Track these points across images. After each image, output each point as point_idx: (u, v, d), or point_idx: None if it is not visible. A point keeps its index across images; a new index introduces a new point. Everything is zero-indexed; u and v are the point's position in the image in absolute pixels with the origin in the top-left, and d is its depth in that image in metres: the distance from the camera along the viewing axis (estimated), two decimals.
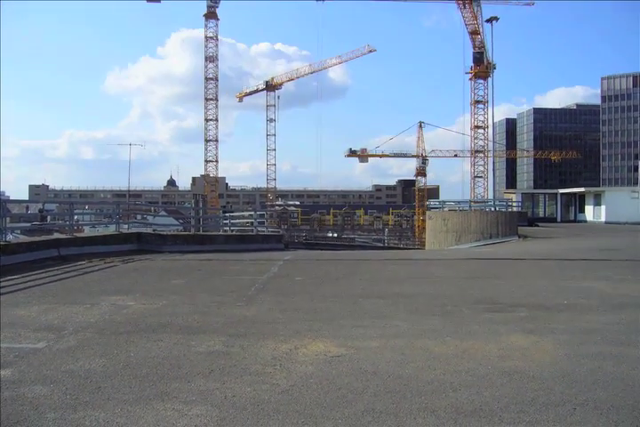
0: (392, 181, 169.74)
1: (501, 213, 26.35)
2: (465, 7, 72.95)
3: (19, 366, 4.28)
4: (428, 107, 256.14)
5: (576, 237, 22.17)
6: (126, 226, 18.24)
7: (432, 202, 40.04)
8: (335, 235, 71.80)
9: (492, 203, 34.33)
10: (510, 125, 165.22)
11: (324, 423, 3.23)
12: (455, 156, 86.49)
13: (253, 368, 4.25)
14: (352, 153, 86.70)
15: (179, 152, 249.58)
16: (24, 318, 6.02)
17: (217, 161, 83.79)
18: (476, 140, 78.25)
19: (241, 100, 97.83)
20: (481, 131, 77.80)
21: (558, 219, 37.17)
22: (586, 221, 35.28)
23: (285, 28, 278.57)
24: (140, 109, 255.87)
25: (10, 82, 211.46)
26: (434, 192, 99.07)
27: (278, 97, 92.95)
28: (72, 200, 26.84)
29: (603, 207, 34.39)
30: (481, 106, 77.22)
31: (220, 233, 19.97)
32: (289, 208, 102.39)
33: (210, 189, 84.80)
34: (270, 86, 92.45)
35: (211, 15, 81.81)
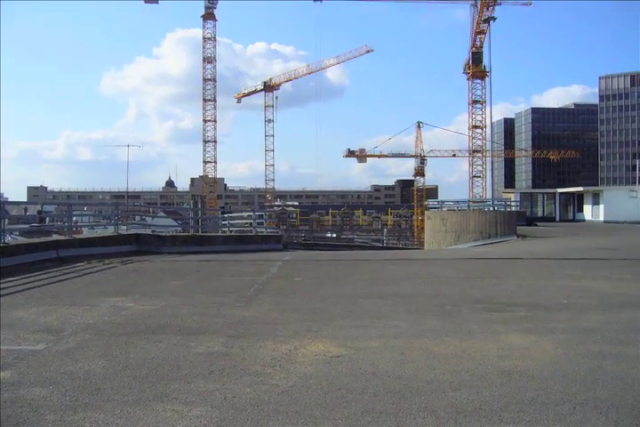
0: (390, 181, 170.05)
1: (500, 213, 26.37)
2: (477, 6, 72.99)
3: (18, 368, 4.28)
4: (425, 106, 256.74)
5: (574, 237, 22.19)
6: (125, 227, 18.23)
7: (431, 202, 40.10)
8: (334, 235, 71.72)
9: (490, 202, 34.38)
10: (508, 125, 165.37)
11: (323, 424, 3.23)
12: (454, 156, 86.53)
13: (253, 369, 4.25)
14: (350, 153, 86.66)
15: (176, 153, 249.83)
16: (23, 320, 6.01)
17: (215, 162, 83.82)
18: (474, 140, 78.28)
19: (239, 100, 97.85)
20: (479, 131, 77.84)
21: (557, 218, 37.23)
22: (584, 221, 35.33)
23: (281, 28, 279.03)
24: (136, 110, 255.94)
25: (6, 82, 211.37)
26: (432, 192, 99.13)
27: (276, 97, 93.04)
28: (71, 202, 26.81)
29: (601, 206, 34.44)
30: (479, 106, 77.26)
31: (219, 234, 19.98)
32: (288, 209, 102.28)
33: (208, 190, 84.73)
34: (268, 87, 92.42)
35: (209, 16, 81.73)
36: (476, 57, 74.09)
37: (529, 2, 74.35)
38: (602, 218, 33.88)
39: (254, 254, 15.15)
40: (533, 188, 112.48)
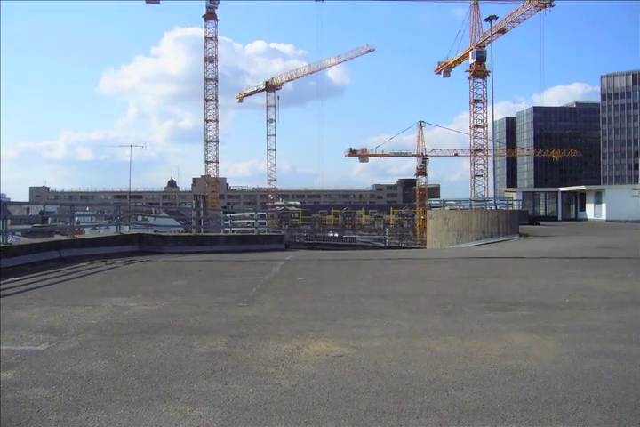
0: (391, 181, 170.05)
1: (502, 212, 26.33)
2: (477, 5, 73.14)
3: (21, 368, 4.28)
4: (425, 105, 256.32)
5: (577, 236, 22.15)
6: (127, 227, 18.23)
7: (433, 201, 40.02)
8: (336, 235, 71.80)
9: (492, 202, 34.34)
10: (510, 124, 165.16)
11: (326, 423, 3.23)
12: (455, 155, 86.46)
13: (255, 369, 4.25)
14: (352, 153, 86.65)
15: (177, 153, 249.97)
16: (26, 320, 6.02)
17: (217, 162, 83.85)
18: (475, 139, 78.20)
19: (241, 100, 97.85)
20: (480, 130, 77.76)
21: (559, 217, 37.16)
22: (587, 220, 35.27)
23: (281, 27, 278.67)
24: (136, 110, 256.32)
25: (5, 82, 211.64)
26: (434, 191, 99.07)
27: (278, 97, 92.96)
28: (73, 202, 26.84)
29: (603, 205, 34.37)
30: (480, 105, 77.19)
31: (221, 234, 19.98)
32: (290, 208, 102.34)
33: (210, 190, 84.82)
34: (270, 87, 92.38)
35: (210, 16, 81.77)
36: (480, 55, 73.87)
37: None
38: (604, 217, 33.81)
39: (256, 254, 15.16)
40: (535, 187, 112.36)
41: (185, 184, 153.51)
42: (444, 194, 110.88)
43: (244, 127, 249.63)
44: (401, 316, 6.17)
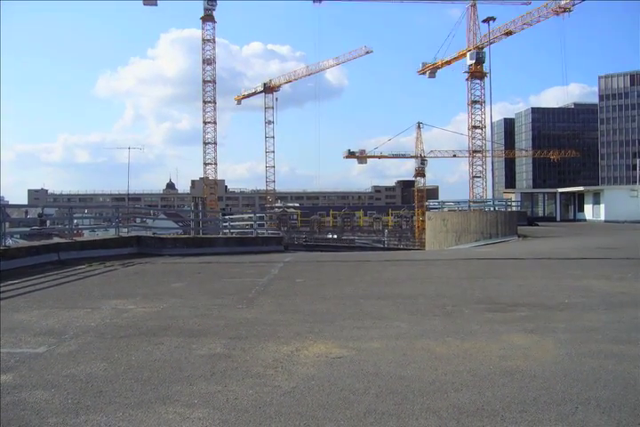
0: (390, 182, 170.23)
1: (501, 213, 26.36)
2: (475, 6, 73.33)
3: (20, 371, 4.28)
4: (423, 107, 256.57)
5: (575, 236, 22.18)
6: (126, 229, 18.22)
7: (431, 202, 40.08)
8: (335, 236, 71.86)
9: (491, 203, 34.35)
10: (508, 125, 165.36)
11: (326, 425, 3.22)
12: (454, 156, 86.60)
13: (255, 371, 4.24)
14: (351, 154, 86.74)
15: (174, 155, 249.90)
16: (24, 323, 6.01)
17: (216, 164, 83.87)
18: (473, 141, 78.32)
19: (239, 102, 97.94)
20: (478, 131, 77.86)
21: (558, 218, 37.23)
22: (585, 220, 35.33)
23: (277, 28, 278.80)
24: (133, 112, 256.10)
25: (3, 83, 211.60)
26: (433, 193, 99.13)
27: (276, 99, 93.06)
28: (71, 204, 26.84)
29: (602, 206, 34.43)
30: (478, 106, 77.30)
31: (220, 236, 19.99)
32: (288, 210, 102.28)
33: (209, 192, 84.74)
34: (268, 88, 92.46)
35: (208, 18, 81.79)
36: (479, 56, 73.93)
37: (528, 1, 74.35)
38: (603, 217, 33.87)
39: (255, 256, 15.16)
40: (534, 188, 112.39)
41: (183, 186, 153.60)
42: (443, 195, 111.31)
43: (242, 129, 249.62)
44: (400, 317, 6.17)
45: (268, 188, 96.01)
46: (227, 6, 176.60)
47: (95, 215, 35.53)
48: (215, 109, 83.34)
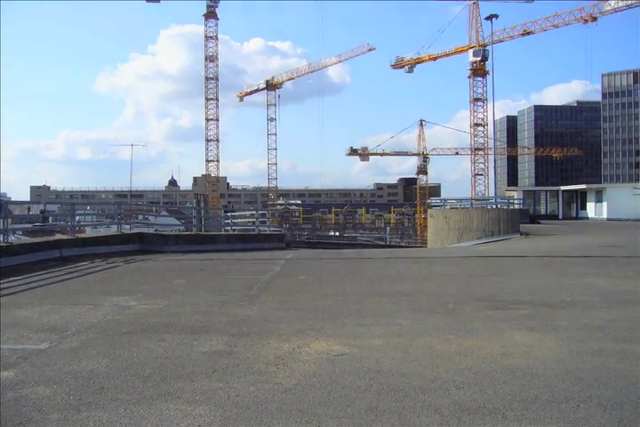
0: (391, 179, 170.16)
1: (503, 211, 26.32)
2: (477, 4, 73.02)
3: (22, 368, 4.29)
4: (424, 104, 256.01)
5: (578, 234, 22.15)
6: (128, 226, 18.25)
7: (433, 200, 40.06)
8: (337, 234, 71.79)
9: (493, 200, 34.33)
10: (511, 123, 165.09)
11: (327, 422, 3.22)
12: (456, 154, 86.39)
13: (256, 368, 4.25)
14: (353, 152, 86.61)
15: (176, 152, 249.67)
16: (27, 319, 6.02)
17: (218, 161, 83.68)
18: (476, 138, 78.02)
19: (242, 99, 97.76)
20: (480, 128, 77.61)
21: (560, 216, 37.16)
22: (587, 218, 35.27)
23: (279, 25, 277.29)
24: (133, 108, 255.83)
25: (4, 82, 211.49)
26: (435, 190, 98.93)
27: (279, 96, 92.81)
28: (74, 201, 26.84)
29: (604, 204, 34.36)
30: (480, 103, 77.01)
31: (222, 233, 19.98)
32: (290, 207, 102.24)
33: (211, 189, 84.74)
34: (271, 85, 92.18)
35: (210, 15, 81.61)
36: (483, 53, 73.54)
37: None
38: (605, 215, 33.81)
39: (257, 253, 15.16)
40: (536, 185, 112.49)
41: (186, 183, 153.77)
42: (445, 193, 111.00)
43: (243, 125, 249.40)
44: (402, 315, 6.17)
45: (270, 185, 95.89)
46: (228, 3, 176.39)
47: (97, 212, 35.61)
48: (218, 106, 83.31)
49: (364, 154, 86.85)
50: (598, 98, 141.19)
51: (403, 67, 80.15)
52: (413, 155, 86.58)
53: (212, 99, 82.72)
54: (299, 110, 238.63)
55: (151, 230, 19.35)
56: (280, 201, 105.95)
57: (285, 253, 15.17)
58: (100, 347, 4.87)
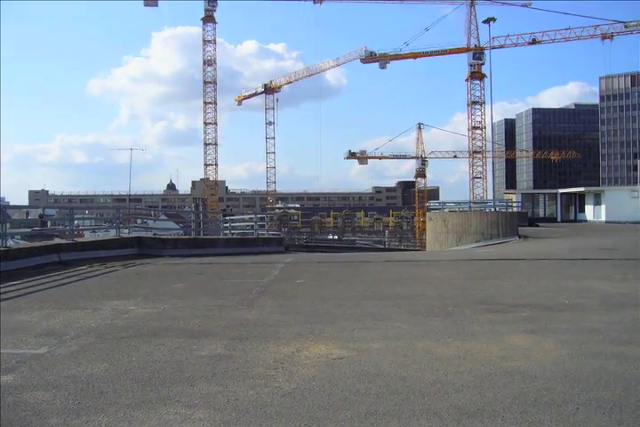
0: (389, 183, 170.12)
1: (501, 214, 26.37)
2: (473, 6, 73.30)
3: (20, 372, 4.28)
4: (421, 107, 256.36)
5: (576, 237, 22.17)
6: (127, 230, 18.22)
7: (432, 203, 40.07)
8: (336, 237, 71.78)
9: (491, 203, 34.34)
10: (509, 126, 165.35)
11: (326, 426, 3.22)
12: (454, 157, 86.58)
13: (256, 371, 4.25)
14: (352, 155, 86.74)
15: (173, 155, 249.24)
16: (25, 324, 6.02)
17: (216, 164, 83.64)
18: (473, 141, 78.17)
19: (240, 103, 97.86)
20: (478, 131, 77.74)
21: (558, 219, 37.20)
22: (586, 221, 35.30)
23: (274, 27, 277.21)
24: (128, 112, 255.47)
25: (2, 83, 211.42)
26: (433, 193, 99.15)
27: (277, 100, 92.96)
28: (72, 205, 26.85)
29: (603, 207, 34.43)
30: (478, 106, 77.17)
31: (221, 237, 19.99)
32: (289, 211, 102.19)
33: (210, 193, 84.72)
34: (269, 89, 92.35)
35: (208, 19, 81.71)
36: (479, 57, 73.70)
37: (529, 2, 74.18)
38: (603, 218, 33.86)
39: (256, 257, 15.16)
40: (535, 188, 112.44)
41: (184, 187, 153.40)
42: (443, 196, 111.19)
43: (240, 129, 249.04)
44: (401, 318, 6.17)
45: (269, 188, 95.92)
46: (224, 6, 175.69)
47: (96, 216, 35.55)
48: (216, 110, 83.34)
49: (362, 157, 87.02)
50: (596, 100, 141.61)
51: (376, 61, 79.32)
52: (412, 158, 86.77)
53: (210, 102, 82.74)
54: (296, 114, 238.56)
55: (150, 234, 19.37)
56: (278, 205, 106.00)
57: (284, 257, 15.17)
58: (99, 351, 4.87)
